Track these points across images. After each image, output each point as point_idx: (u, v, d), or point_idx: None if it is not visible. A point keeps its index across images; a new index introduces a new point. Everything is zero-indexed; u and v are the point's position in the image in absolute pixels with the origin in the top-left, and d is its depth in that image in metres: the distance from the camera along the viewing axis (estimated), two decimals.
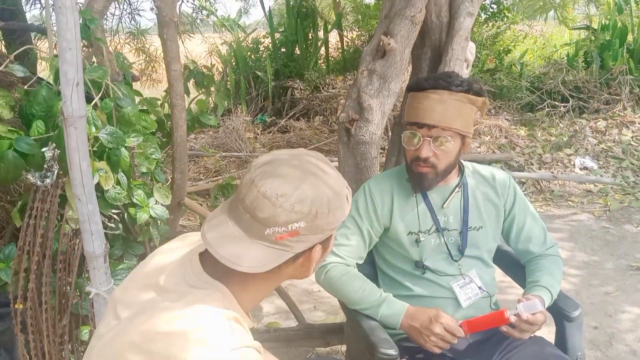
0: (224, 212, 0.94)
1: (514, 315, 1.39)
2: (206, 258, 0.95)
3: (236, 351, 0.85)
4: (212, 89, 2.48)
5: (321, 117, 6.62)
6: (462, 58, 1.98)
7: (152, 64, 5.80)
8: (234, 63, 7.41)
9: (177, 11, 1.91)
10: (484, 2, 6.98)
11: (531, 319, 1.38)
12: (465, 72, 2.04)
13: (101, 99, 1.62)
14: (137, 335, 0.88)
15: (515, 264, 1.72)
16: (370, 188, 1.66)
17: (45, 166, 1.52)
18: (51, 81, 1.67)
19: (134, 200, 1.73)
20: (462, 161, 1.68)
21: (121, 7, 5.66)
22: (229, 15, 7.86)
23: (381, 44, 1.91)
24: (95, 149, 1.55)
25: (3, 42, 4.20)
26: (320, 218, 0.89)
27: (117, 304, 0.98)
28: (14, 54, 1.59)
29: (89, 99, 1.55)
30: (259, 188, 0.88)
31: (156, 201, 1.79)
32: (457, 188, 1.62)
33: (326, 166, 0.95)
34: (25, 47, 1.84)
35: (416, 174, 1.55)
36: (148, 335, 0.87)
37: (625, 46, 6.97)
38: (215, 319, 0.88)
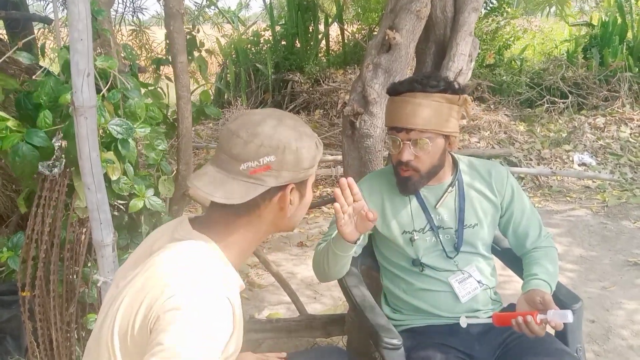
0: (207, 163, 1.06)
1: (542, 319, 1.37)
2: (194, 221, 1.05)
3: (213, 293, 0.91)
4: (197, 53, 2.35)
5: (321, 111, 6.63)
6: (466, 53, 1.99)
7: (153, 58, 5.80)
8: (234, 55, 7.40)
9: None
10: None
11: (557, 326, 1.37)
12: (468, 67, 2.05)
13: (108, 90, 1.63)
14: (133, 288, 0.95)
15: (516, 258, 1.74)
16: (360, 187, 1.66)
17: (54, 156, 1.53)
18: (56, 72, 1.68)
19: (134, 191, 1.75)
20: (457, 156, 1.68)
21: (124, 4, 5.66)
22: (229, 8, 7.84)
23: (386, 38, 1.92)
24: (103, 139, 1.56)
25: (5, 32, 4.19)
26: (288, 153, 0.99)
27: (117, 280, 1.07)
28: (23, 41, 1.60)
29: (96, 89, 1.56)
30: (232, 131, 0.99)
31: (154, 192, 1.80)
32: (451, 187, 1.63)
33: (295, 117, 1.07)
34: (31, 37, 1.86)
35: (401, 178, 1.57)
36: (138, 283, 0.95)
37: (625, 43, 7.00)
38: (199, 259, 0.96)
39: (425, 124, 1.47)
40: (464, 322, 1.47)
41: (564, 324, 1.40)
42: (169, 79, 2.34)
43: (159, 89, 2.11)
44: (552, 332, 1.60)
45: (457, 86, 1.52)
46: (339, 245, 1.47)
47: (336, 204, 1.37)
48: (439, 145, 1.52)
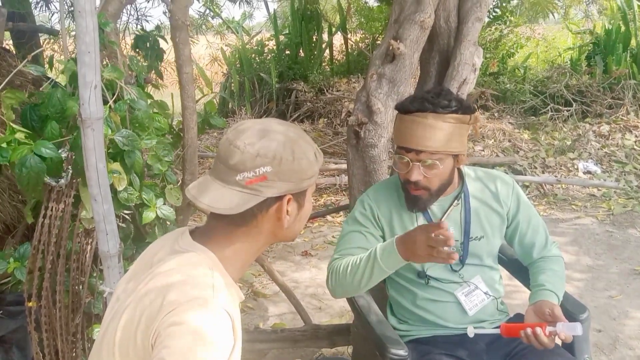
0: (206, 173, 1.06)
1: (551, 332, 1.37)
2: (194, 232, 1.05)
3: (213, 308, 0.90)
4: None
5: (325, 120, 6.65)
6: (470, 63, 2.00)
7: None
8: (238, 65, 7.45)
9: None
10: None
11: (566, 339, 1.36)
12: (472, 76, 2.06)
13: (115, 101, 1.64)
14: (133, 302, 0.95)
15: (522, 268, 1.74)
16: (368, 197, 1.67)
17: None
18: (63, 83, 1.70)
19: (144, 200, 1.75)
20: (463, 168, 1.67)
21: (128, 13, 5.70)
22: (233, 18, 7.90)
23: (390, 48, 1.93)
24: (110, 150, 1.57)
25: (12, 43, 4.23)
26: (285, 164, 0.98)
27: (119, 292, 1.06)
28: (32, 54, 1.61)
29: (103, 100, 1.57)
30: (230, 141, 0.99)
31: (164, 202, 1.81)
32: (456, 200, 1.62)
33: (295, 127, 1.06)
34: (40, 50, 1.88)
35: (411, 196, 1.55)
36: (139, 296, 0.95)
37: (628, 51, 7.00)
38: (199, 272, 0.95)
39: (436, 146, 1.45)
40: (471, 332, 1.46)
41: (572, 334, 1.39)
42: (155, 86, 2.37)
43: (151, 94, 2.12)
44: (560, 342, 1.59)
45: (468, 105, 1.49)
46: (391, 262, 1.39)
47: (449, 241, 1.27)
48: (448, 165, 1.51)
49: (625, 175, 5.17)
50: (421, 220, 1.61)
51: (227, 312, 0.92)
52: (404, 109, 1.51)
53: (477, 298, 1.59)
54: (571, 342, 1.55)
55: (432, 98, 1.46)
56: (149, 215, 1.72)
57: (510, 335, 1.43)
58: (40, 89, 1.68)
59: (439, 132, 1.44)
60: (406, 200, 1.59)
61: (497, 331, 1.45)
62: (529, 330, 1.36)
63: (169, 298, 0.90)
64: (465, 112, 1.47)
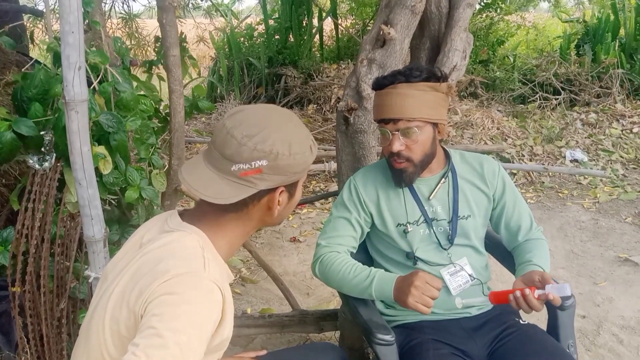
0: (199, 156, 1.05)
1: (540, 295, 1.34)
2: (184, 214, 1.06)
3: (205, 281, 0.92)
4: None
5: (315, 106, 6.61)
6: (461, 49, 1.98)
7: (144, 50, 5.75)
8: (227, 49, 7.36)
9: None
10: None
11: (555, 301, 1.34)
12: (462, 63, 2.05)
13: (99, 83, 1.61)
14: (124, 278, 0.97)
15: (509, 254, 1.74)
16: (355, 181, 1.68)
17: (43, 149, 1.52)
18: (48, 64, 1.66)
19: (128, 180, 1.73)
20: (449, 149, 1.68)
21: None
22: (222, 0, 7.80)
23: (381, 33, 1.91)
24: (94, 133, 1.54)
25: None
26: (281, 159, 0.98)
27: (107, 272, 1.08)
28: (9, 26, 1.58)
29: (87, 82, 1.54)
30: (227, 129, 0.98)
31: (149, 182, 1.79)
32: (443, 179, 1.63)
33: (293, 119, 1.06)
34: (18, 23, 1.85)
35: (396, 170, 1.57)
36: (131, 271, 0.96)
37: (617, 40, 7.03)
38: (190, 249, 0.97)
39: (411, 113, 1.48)
40: (459, 303, 1.46)
41: (557, 320, 1.40)
42: (161, 77, 2.33)
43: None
44: (544, 328, 1.61)
45: (439, 74, 1.52)
46: (381, 294, 1.48)
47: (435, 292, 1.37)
48: (427, 133, 1.52)
49: (611, 163, 5.22)
50: (408, 197, 1.62)
51: (219, 287, 0.93)
52: (379, 84, 1.55)
53: (462, 279, 1.60)
54: (556, 328, 1.57)
55: (404, 71, 1.51)
56: (131, 195, 1.70)
57: (499, 301, 1.41)
58: (23, 69, 1.64)
59: (412, 99, 1.48)
60: (392, 176, 1.60)
61: (486, 298, 1.44)
62: (517, 292, 1.35)
63: (162, 268, 0.91)
64: (438, 80, 1.51)
